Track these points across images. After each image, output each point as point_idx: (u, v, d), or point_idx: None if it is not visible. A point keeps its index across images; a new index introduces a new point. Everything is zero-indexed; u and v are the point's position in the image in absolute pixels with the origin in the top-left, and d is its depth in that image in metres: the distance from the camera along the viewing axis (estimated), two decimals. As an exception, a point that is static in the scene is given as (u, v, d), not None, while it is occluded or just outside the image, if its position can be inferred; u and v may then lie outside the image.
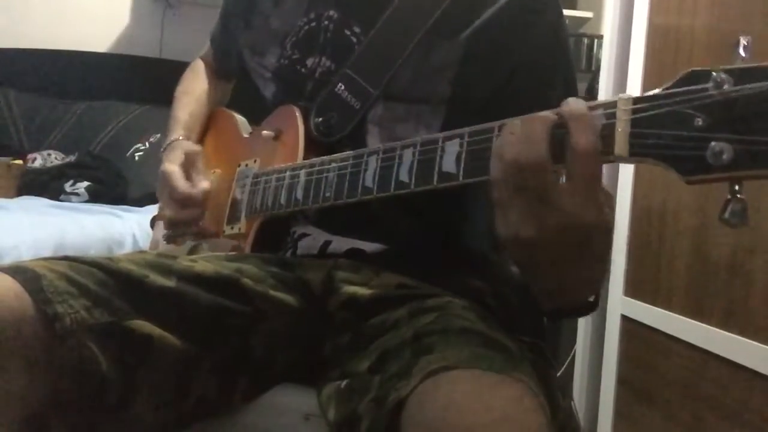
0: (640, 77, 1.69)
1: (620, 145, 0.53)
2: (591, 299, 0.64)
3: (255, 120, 1.02)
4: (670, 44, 1.59)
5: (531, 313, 0.79)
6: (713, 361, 1.30)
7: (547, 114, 0.57)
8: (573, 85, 0.88)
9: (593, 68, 2.56)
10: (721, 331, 1.28)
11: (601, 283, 0.63)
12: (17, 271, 0.65)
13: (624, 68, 1.80)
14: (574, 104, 0.55)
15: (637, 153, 0.53)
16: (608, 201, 0.57)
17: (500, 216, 0.58)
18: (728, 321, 1.27)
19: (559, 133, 0.56)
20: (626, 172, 1.72)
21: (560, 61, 0.87)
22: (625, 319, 1.67)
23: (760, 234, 1.19)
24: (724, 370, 1.27)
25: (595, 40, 2.60)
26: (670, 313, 1.47)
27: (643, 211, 1.64)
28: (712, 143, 0.48)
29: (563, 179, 0.55)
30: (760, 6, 1.25)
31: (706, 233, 1.37)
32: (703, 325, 1.34)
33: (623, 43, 1.84)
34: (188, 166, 0.98)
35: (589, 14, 2.63)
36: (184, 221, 0.96)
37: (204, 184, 0.96)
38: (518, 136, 0.56)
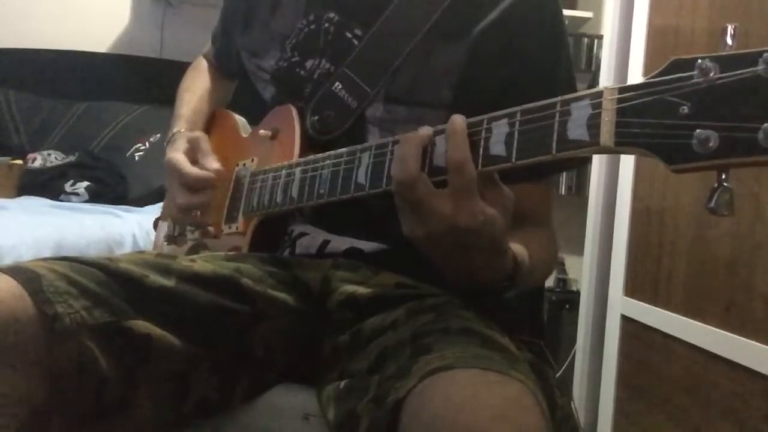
0: (640, 77, 1.69)
1: (606, 135, 0.53)
2: (498, 283, 0.71)
3: (255, 121, 1.02)
4: (670, 44, 1.59)
5: (530, 312, 0.80)
6: (713, 361, 1.30)
7: (422, 133, 0.65)
8: (573, 88, 0.88)
9: (593, 68, 2.57)
10: (721, 331, 1.28)
11: (502, 267, 0.70)
12: (17, 272, 0.65)
13: (624, 68, 1.81)
14: (454, 121, 0.63)
15: (623, 143, 0.52)
16: (500, 199, 0.64)
17: (400, 217, 0.66)
18: (728, 321, 1.27)
19: (443, 147, 0.64)
20: (626, 171, 1.72)
21: (561, 64, 0.87)
22: (625, 319, 1.67)
23: (760, 234, 1.19)
24: (724, 370, 1.27)
25: (595, 40, 2.60)
26: (670, 313, 1.47)
27: (643, 211, 1.64)
28: (698, 131, 0.48)
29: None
30: (758, 6, 1.25)
31: (706, 233, 1.37)
32: (703, 325, 1.34)
33: (623, 43, 1.85)
34: (193, 151, 0.96)
35: (589, 14, 2.63)
36: (198, 206, 0.93)
37: (213, 164, 0.92)
38: (395, 155, 0.65)
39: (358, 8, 0.90)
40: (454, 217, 0.62)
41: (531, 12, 0.85)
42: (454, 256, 0.67)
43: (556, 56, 0.87)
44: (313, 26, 0.93)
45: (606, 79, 1.94)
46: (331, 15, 0.92)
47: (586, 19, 2.65)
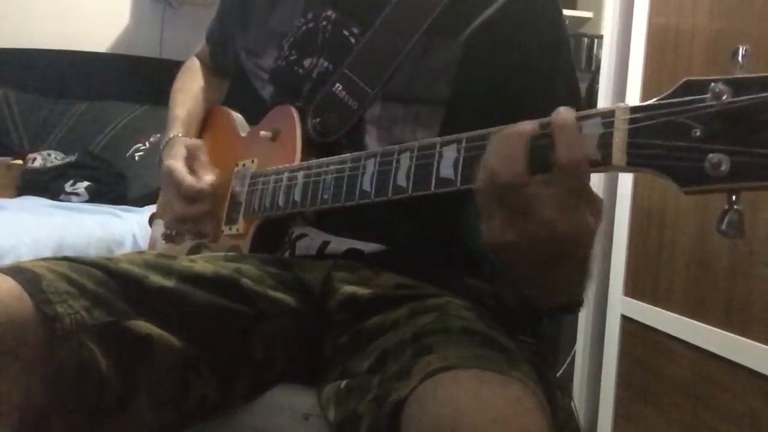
0: (640, 77, 1.69)
1: (618, 155, 0.53)
2: (577, 298, 0.68)
3: (253, 119, 1.02)
4: (670, 44, 1.59)
5: (530, 313, 0.79)
6: (713, 361, 1.30)
7: (527, 127, 0.58)
8: (574, 86, 0.88)
9: (593, 68, 2.56)
10: (721, 331, 1.28)
11: (586, 283, 0.66)
12: (17, 272, 0.65)
13: (624, 68, 1.80)
14: (563, 115, 0.56)
15: (634, 163, 0.53)
16: (595, 206, 0.58)
17: (484, 221, 0.60)
18: (728, 321, 1.27)
19: (545, 144, 0.56)
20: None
21: (561, 61, 0.87)
22: (625, 319, 1.67)
23: (760, 234, 1.19)
24: (724, 370, 1.27)
25: (595, 40, 2.60)
26: (670, 313, 1.47)
27: (643, 212, 1.64)
28: (710, 155, 0.48)
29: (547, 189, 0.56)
30: (758, 6, 1.25)
31: (706, 233, 1.37)
32: (703, 325, 1.34)
33: (623, 43, 1.84)
34: (191, 160, 0.96)
35: (589, 14, 2.63)
36: (194, 217, 0.94)
37: (209, 176, 0.93)
38: (498, 153, 0.57)
39: (356, 7, 0.90)
40: (561, 223, 0.56)
41: (528, 8, 0.84)
42: (544, 267, 0.61)
43: (554, 53, 0.86)
44: (311, 24, 0.93)
45: (606, 79, 1.94)
46: (330, 13, 0.92)
47: (586, 19, 2.65)
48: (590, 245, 0.60)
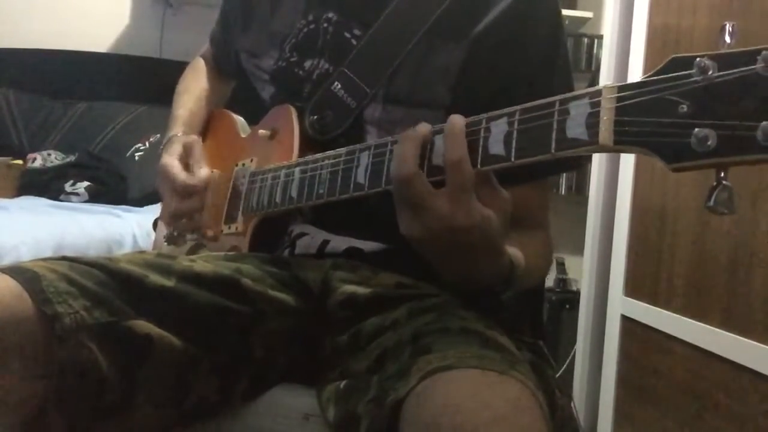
0: (640, 77, 1.69)
1: (605, 134, 0.53)
2: (496, 285, 0.72)
3: (254, 120, 1.02)
4: (670, 44, 1.59)
5: (530, 313, 0.80)
6: (713, 361, 1.30)
7: (420, 131, 0.66)
8: (570, 89, 0.88)
9: (593, 68, 2.57)
10: (721, 331, 1.28)
11: (501, 271, 0.71)
12: (17, 272, 0.65)
13: (624, 68, 1.81)
14: (453, 120, 0.64)
15: (621, 141, 0.52)
16: (498, 203, 0.65)
17: (398, 216, 0.67)
18: (728, 321, 1.27)
19: (440, 145, 0.65)
20: (626, 171, 1.72)
21: (559, 64, 0.87)
22: (625, 319, 1.67)
23: (760, 234, 1.19)
24: (724, 370, 1.27)
25: (595, 40, 2.61)
26: (670, 313, 1.47)
27: (643, 211, 1.64)
28: (696, 130, 0.48)
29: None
30: (759, 6, 1.25)
31: (706, 233, 1.37)
32: (703, 325, 1.34)
33: (623, 43, 1.85)
34: (186, 156, 0.97)
35: (589, 14, 2.64)
36: (187, 212, 0.95)
37: (203, 171, 0.94)
38: (396, 153, 0.65)
39: (357, 8, 0.90)
40: (450, 216, 0.63)
41: (530, 12, 0.85)
42: (451, 255, 0.67)
43: (554, 57, 0.87)
44: (312, 26, 0.93)
45: (606, 79, 1.94)
46: (331, 15, 0.92)
47: (586, 19, 2.65)
48: (492, 234, 0.65)
